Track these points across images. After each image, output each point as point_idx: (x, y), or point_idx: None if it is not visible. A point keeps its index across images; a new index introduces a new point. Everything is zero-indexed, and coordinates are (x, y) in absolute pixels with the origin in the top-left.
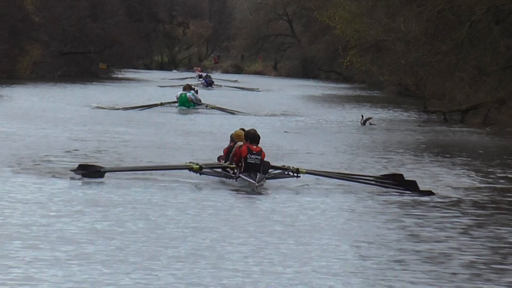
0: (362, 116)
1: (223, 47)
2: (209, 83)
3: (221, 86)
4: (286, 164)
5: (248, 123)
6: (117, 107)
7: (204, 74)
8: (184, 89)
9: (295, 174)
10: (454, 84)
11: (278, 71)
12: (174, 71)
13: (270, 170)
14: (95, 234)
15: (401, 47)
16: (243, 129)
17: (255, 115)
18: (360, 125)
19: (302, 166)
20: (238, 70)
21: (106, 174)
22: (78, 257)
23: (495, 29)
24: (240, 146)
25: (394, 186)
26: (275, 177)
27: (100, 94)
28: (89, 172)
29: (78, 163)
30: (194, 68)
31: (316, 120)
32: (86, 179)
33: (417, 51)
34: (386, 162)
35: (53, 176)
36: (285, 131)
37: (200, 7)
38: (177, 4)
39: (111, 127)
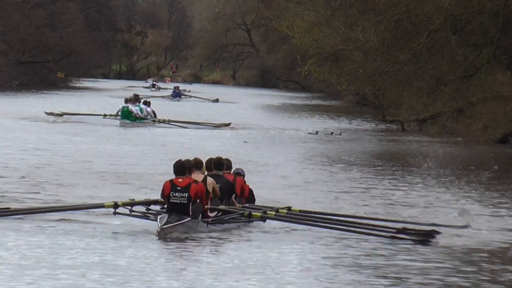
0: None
1: (182, 56)
2: (177, 94)
3: (190, 97)
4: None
5: (207, 135)
6: (58, 114)
7: (155, 83)
8: (126, 101)
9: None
10: (412, 93)
11: (236, 81)
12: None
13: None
14: None
15: (359, 56)
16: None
17: (214, 128)
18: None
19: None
20: (196, 79)
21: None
22: None
23: (452, 38)
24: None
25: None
26: (221, 220)
27: (60, 104)
28: None
29: None
30: (165, 78)
31: (276, 130)
32: None
33: (375, 60)
34: (345, 174)
35: None
36: (244, 142)
37: (158, 17)
38: (135, 13)
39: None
